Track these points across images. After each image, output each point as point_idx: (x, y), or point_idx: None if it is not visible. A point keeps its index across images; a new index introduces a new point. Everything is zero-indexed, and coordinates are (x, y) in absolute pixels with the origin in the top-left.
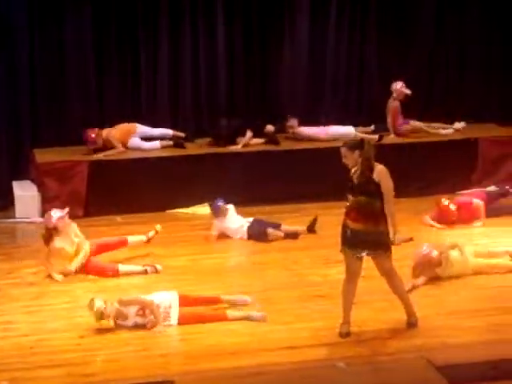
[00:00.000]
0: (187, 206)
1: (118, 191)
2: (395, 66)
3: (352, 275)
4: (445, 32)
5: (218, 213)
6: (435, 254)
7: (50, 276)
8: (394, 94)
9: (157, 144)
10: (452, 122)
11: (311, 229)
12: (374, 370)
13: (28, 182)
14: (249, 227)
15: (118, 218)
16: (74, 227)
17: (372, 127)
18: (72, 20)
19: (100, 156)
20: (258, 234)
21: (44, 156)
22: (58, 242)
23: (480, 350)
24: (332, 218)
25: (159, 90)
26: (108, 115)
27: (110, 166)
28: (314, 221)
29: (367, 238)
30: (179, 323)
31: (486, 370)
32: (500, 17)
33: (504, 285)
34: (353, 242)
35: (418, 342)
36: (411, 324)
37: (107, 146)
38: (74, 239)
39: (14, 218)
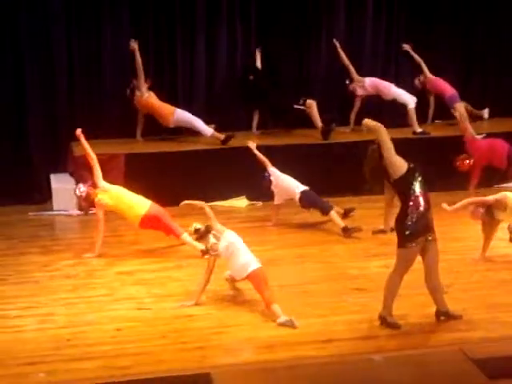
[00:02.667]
0: (225, 198)
1: (155, 184)
2: (426, 60)
3: (408, 268)
4: (477, 28)
5: (268, 183)
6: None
7: (88, 269)
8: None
9: (210, 130)
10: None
11: (347, 214)
12: (410, 363)
13: (66, 175)
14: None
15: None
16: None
17: None
18: (110, 18)
19: None
20: (317, 203)
21: (82, 149)
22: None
23: None
24: (370, 211)
25: (195, 89)
26: None
27: (147, 159)
28: (351, 210)
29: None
30: None
31: None
32: None
33: None
34: (423, 228)
35: (456, 336)
36: (446, 314)
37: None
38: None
39: (52, 210)
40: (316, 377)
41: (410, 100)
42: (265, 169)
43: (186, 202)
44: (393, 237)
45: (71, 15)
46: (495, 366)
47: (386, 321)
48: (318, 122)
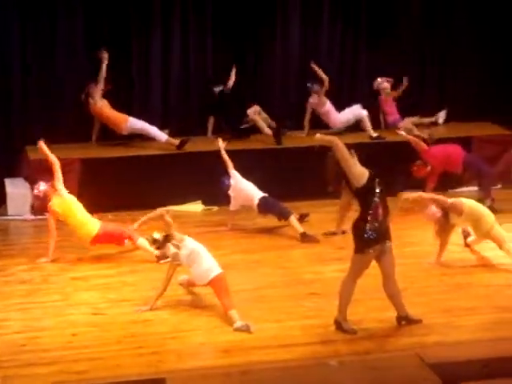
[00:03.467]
0: (180, 203)
1: (109, 189)
2: (385, 65)
3: (362, 273)
4: (435, 32)
5: (226, 187)
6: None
7: (42, 274)
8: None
9: (164, 136)
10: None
11: (302, 219)
12: (366, 367)
13: (20, 179)
14: (261, 198)
15: (109, 216)
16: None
17: None
18: (64, 17)
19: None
20: (275, 208)
21: (36, 153)
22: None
23: (473, 349)
24: (323, 215)
25: (151, 89)
26: None
27: (102, 164)
28: (306, 215)
29: (388, 228)
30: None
31: (478, 368)
32: (490, 16)
33: (498, 283)
34: (381, 235)
35: (412, 340)
36: (406, 319)
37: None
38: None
39: (7, 215)
40: (272, 381)
41: (361, 109)
42: (226, 170)
43: (143, 219)
44: (348, 241)
45: (25, 18)
46: (451, 370)
47: (341, 326)
48: (265, 129)
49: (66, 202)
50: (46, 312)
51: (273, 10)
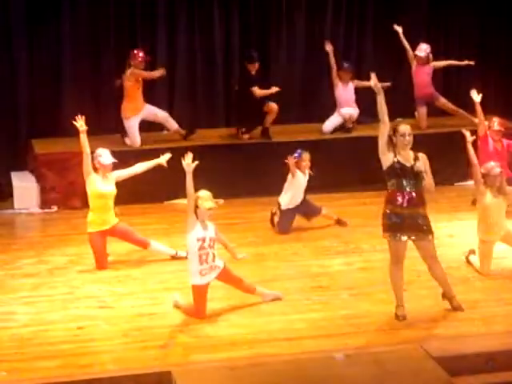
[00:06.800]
0: (185, 196)
1: (117, 181)
2: (392, 60)
3: (401, 260)
4: (441, 25)
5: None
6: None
7: (49, 268)
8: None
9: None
10: None
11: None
12: (371, 360)
13: (26, 172)
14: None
15: (116, 209)
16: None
17: None
18: (69, 12)
19: None
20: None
21: (42, 147)
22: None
23: (479, 342)
24: (331, 209)
25: (156, 84)
26: (104, 107)
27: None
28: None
29: (419, 221)
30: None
31: (483, 362)
32: (496, 8)
33: (503, 276)
34: (406, 227)
35: (417, 334)
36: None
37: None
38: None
39: (13, 208)
40: (278, 374)
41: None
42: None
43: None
44: (354, 235)
45: (31, 12)
46: (456, 363)
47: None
48: None
49: None
50: (53, 305)
51: (278, 5)
